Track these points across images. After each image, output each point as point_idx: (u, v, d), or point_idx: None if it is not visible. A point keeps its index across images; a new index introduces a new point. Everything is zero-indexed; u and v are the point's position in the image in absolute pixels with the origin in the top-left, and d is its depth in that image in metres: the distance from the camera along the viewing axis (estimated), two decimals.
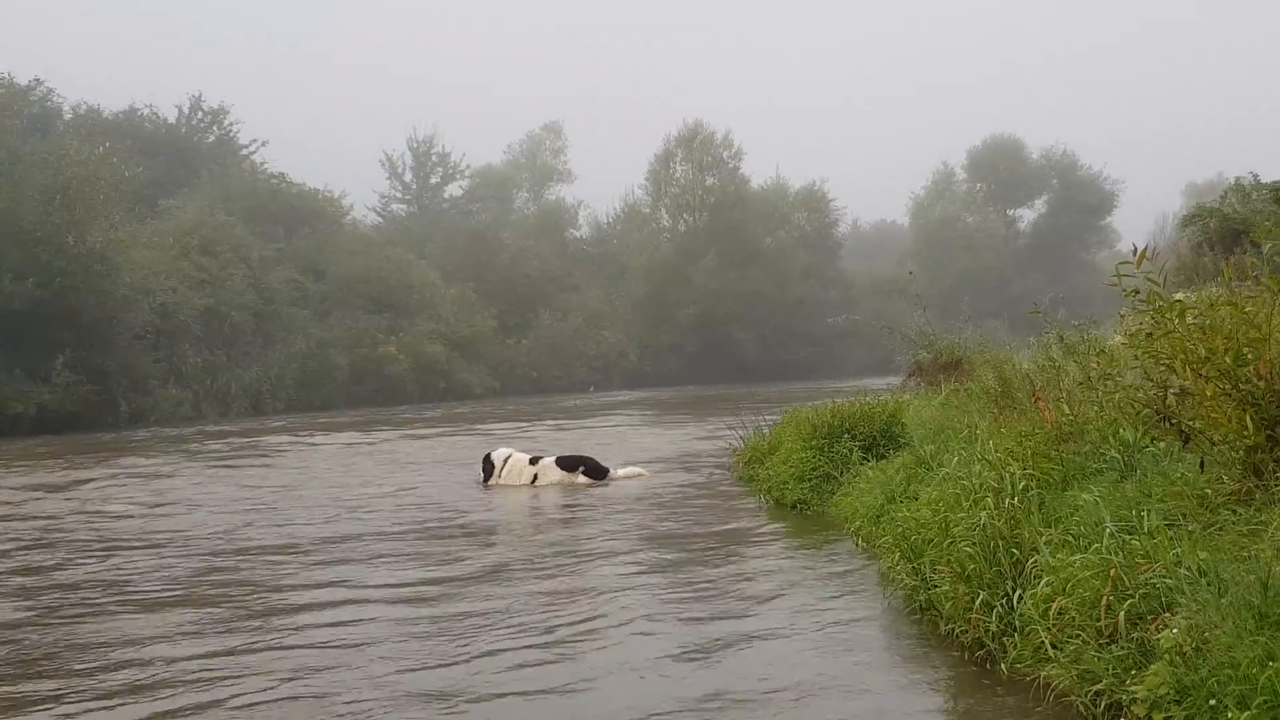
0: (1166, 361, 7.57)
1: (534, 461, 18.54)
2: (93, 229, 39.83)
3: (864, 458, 14.39)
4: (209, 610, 9.61)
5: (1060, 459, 8.71)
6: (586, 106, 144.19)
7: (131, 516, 15.74)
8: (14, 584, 11.14)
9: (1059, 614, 6.45)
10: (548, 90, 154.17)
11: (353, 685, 7.32)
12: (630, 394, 58.66)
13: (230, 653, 8.21)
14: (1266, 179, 30.46)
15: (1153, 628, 5.78)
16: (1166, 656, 5.44)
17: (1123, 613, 5.98)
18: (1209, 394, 7.01)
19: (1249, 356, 6.87)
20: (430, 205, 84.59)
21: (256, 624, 9.09)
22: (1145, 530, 6.60)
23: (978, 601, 7.40)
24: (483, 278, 68.78)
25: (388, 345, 56.16)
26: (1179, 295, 8.99)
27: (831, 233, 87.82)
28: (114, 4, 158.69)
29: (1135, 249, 8.02)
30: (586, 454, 19.52)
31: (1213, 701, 5.03)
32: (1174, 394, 7.86)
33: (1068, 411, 9.60)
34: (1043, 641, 6.51)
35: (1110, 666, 5.88)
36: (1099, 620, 6.12)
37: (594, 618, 9.06)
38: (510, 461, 18.53)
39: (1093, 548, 6.65)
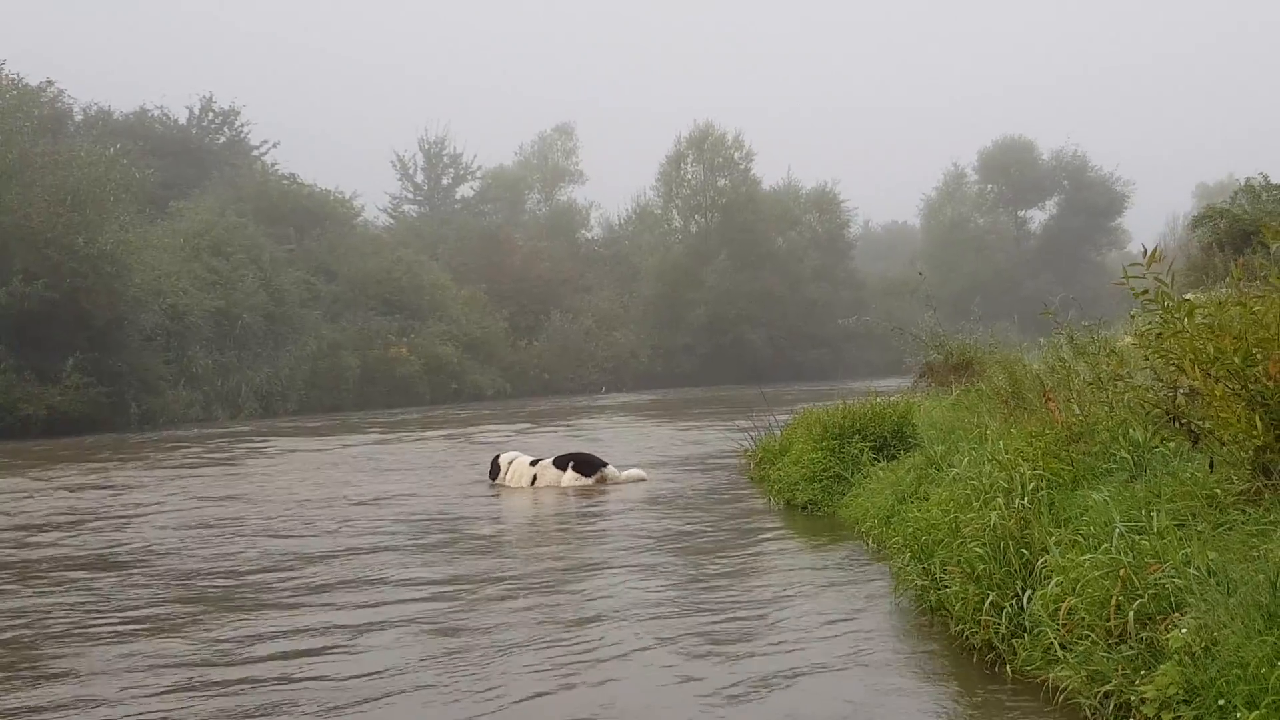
0: (1176, 362, 7.56)
1: (534, 464, 18.74)
2: (103, 230, 39.88)
3: (875, 458, 14.38)
4: (176, 640, 9.20)
5: (1070, 459, 8.70)
6: (598, 108, 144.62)
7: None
8: None
9: (1068, 614, 6.44)
10: (559, 91, 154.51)
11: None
12: (642, 395, 58.65)
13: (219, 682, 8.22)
14: (1277, 180, 30.45)
15: (1162, 628, 5.77)
16: (1176, 657, 5.43)
17: (1132, 613, 5.97)
18: (1218, 394, 7.00)
19: (1258, 356, 6.85)
20: (442, 206, 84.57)
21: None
22: (1155, 530, 6.60)
23: (987, 602, 7.39)
24: (494, 279, 68.77)
25: (399, 346, 56.14)
26: (1189, 295, 8.97)
27: (843, 234, 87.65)
28: (125, 5, 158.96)
29: (1145, 250, 8.01)
30: (584, 451, 19.54)
31: (1222, 702, 5.03)
32: (1183, 394, 7.85)
33: (1078, 412, 9.59)
34: (1052, 642, 6.50)
35: (1119, 667, 5.87)
36: (1108, 620, 6.12)
37: (601, 616, 9.08)
38: (514, 464, 18.77)
39: (1102, 548, 6.64)
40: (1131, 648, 5.88)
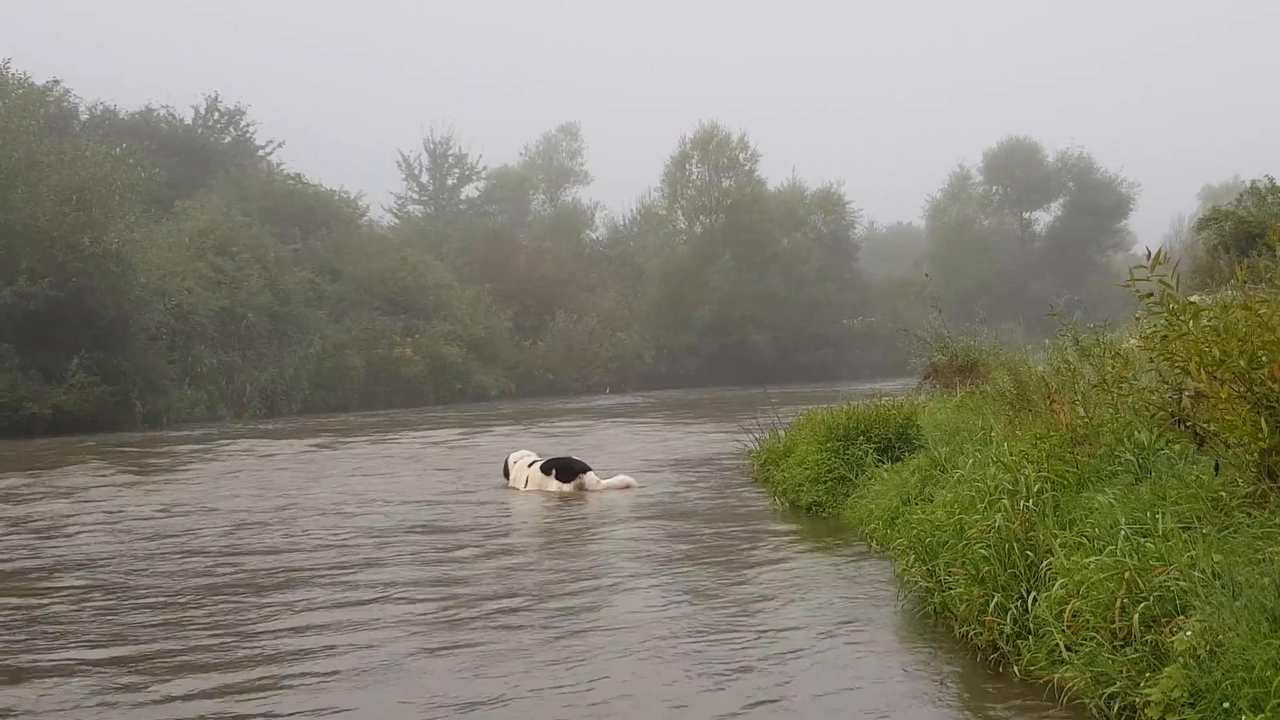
0: (1181, 364, 7.55)
1: (530, 465, 18.29)
2: (109, 230, 39.90)
3: (879, 460, 14.37)
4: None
5: (1075, 461, 8.69)
6: (603, 108, 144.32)
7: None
8: None
9: (1073, 616, 6.45)
10: (564, 91, 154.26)
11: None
12: (646, 396, 58.66)
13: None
14: None
15: (1167, 630, 5.77)
16: (1180, 659, 5.43)
17: (1137, 615, 5.98)
18: (1223, 396, 7.00)
19: (1264, 359, 6.85)
20: (447, 206, 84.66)
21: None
22: (1160, 533, 6.60)
23: (992, 604, 7.40)
24: (499, 279, 68.81)
25: (404, 346, 56.17)
26: (1194, 298, 8.96)
27: (848, 235, 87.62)
28: (131, 3, 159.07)
29: (1150, 252, 8.01)
30: (574, 456, 18.93)
31: (1226, 704, 5.03)
32: (1189, 397, 7.84)
33: (1083, 414, 9.58)
34: (1057, 644, 6.51)
35: (1124, 669, 5.88)
36: (1113, 623, 6.12)
37: (603, 613, 9.09)
38: (516, 465, 18.45)
39: (1107, 550, 6.64)
40: (1136, 650, 5.88)
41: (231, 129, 67.02)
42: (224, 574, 11.42)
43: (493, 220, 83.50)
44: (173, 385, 43.53)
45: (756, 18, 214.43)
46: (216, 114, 66.36)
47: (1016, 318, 49.47)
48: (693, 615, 9.13)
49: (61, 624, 9.35)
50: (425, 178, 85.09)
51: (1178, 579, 5.97)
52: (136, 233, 42.31)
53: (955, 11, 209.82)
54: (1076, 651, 6.29)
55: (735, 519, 14.41)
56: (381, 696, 7.21)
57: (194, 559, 12.34)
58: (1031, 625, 7.00)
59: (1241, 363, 6.90)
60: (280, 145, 67.76)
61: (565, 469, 17.86)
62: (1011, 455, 9.09)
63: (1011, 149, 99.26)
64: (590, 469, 17.95)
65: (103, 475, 21.96)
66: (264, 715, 6.90)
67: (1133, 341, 11.69)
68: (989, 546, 7.76)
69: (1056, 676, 6.37)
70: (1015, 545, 7.61)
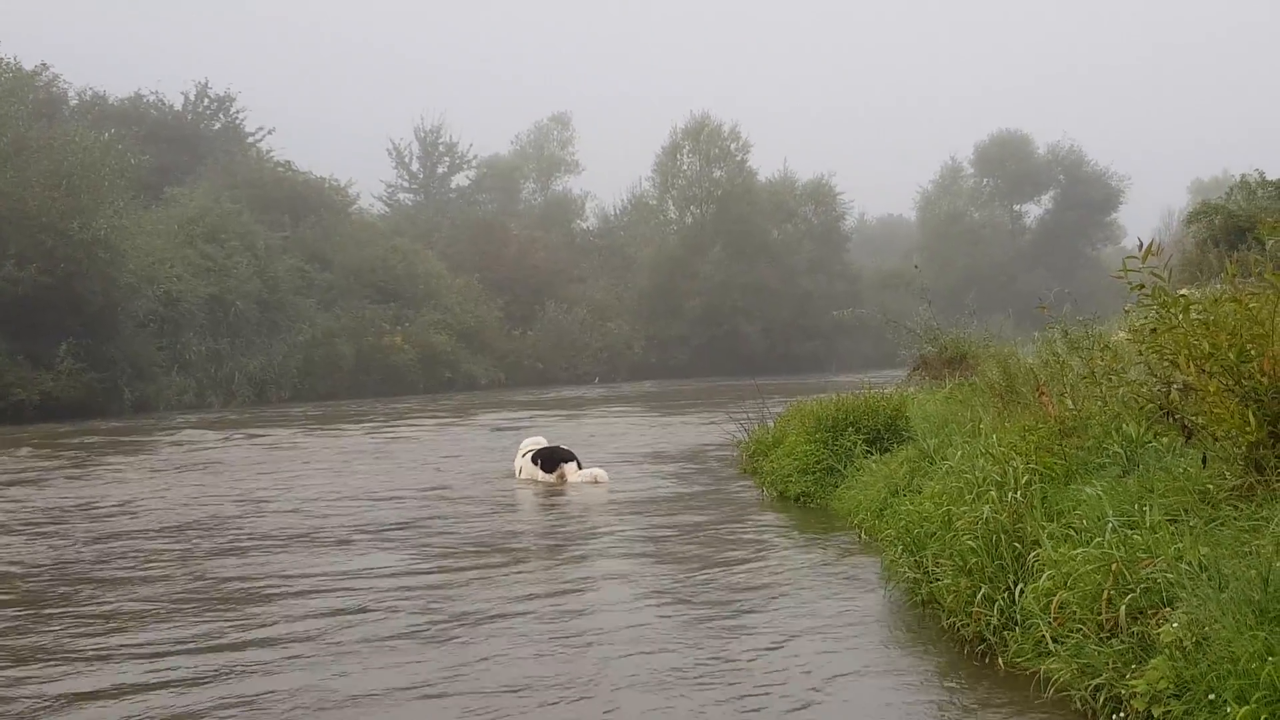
0: (1170, 357, 7.56)
1: (524, 456, 18.23)
2: (97, 216, 39.84)
3: (868, 451, 14.37)
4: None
5: (1063, 453, 8.70)
6: (595, 97, 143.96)
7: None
8: None
9: (1060, 608, 6.45)
10: (556, 80, 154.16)
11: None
12: (635, 386, 58.66)
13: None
14: (1272, 176, 30.49)
15: (1153, 622, 5.78)
16: (1166, 651, 5.44)
17: (1123, 607, 5.99)
18: (1212, 390, 7.00)
19: (1252, 353, 6.86)
20: (437, 195, 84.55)
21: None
22: (1147, 525, 6.61)
23: (979, 595, 7.40)
24: (489, 268, 68.79)
25: (393, 335, 56.17)
26: (1184, 291, 8.96)
27: (838, 226, 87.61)
28: None
29: (1142, 244, 8.01)
30: (561, 446, 18.69)
31: (1212, 696, 5.04)
32: (1177, 389, 7.86)
33: (1071, 406, 9.60)
34: (1043, 635, 6.52)
35: (1110, 660, 5.88)
36: (1100, 614, 6.13)
37: (591, 609, 9.09)
38: (520, 455, 18.36)
39: (1094, 542, 6.65)
40: (1123, 641, 5.89)
41: (221, 115, 66.91)
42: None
43: (483, 209, 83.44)
44: (161, 372, 43.49)
45: (750, 9, 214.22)
46: (206, 100, 66.25)
47: (1006, 310, 49.59)
48: (677, 606, 9.12)
49: None
50: (416, 166, 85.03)
51: (1164, 571, 5.98)
52: (125, 219, 42.25)
53: (948, 5, 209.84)
54: (1063, 643, 6.30)
55: (723, 509, 14.41)
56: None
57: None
58: (1018, 616, 7.00)
59: (1230, 356, 6.91)
60: (270, 132, 67.77)
61: (549, 459, 17.80)
62: (1000, 447, 9.09)
63: (1002, 141, 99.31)
64: (573, 459, 17.81)
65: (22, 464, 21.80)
66: None
67: (1122, 334, 11.70)
68: (977, 538, 7.76)
69: (1043, 667, 6.38)
70: (1003, 537, 7.62)
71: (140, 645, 8.16)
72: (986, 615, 7.28)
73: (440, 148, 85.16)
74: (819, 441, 15.03)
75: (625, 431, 26.82)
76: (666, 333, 74.84)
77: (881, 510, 11.47)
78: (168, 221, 48.83)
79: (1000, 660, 7.02)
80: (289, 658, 7.78)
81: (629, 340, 71.94)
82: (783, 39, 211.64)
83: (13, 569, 11.33)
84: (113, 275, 40.77)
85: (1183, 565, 5.89)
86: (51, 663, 7.81)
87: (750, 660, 7.53)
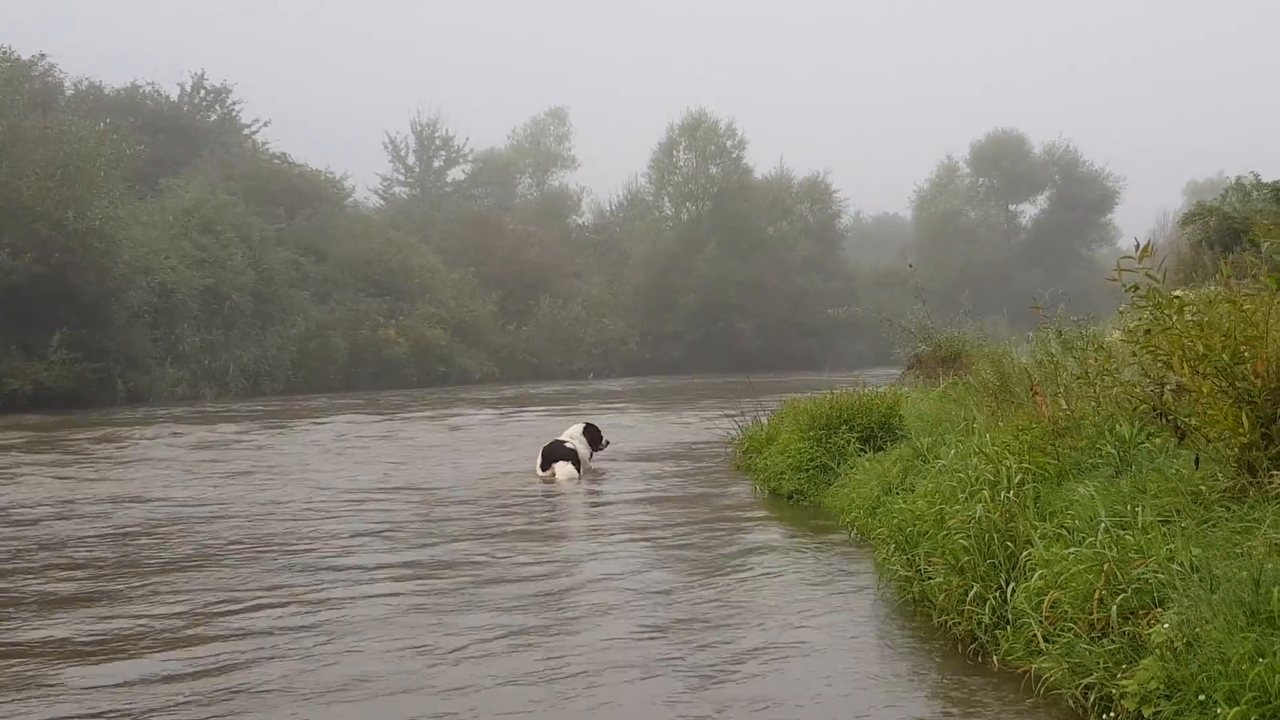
0: (1164, 358, 7.56)
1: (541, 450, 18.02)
2: (92, 206, 39.78)
3: (861, 449, 14.37)
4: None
5: (1056, 453, 8.71)
6: (592, 93, 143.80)
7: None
8: None
9: (1051, 607, 6.46)
10: (553, 75, 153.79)
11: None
12: (630, 382, 58.66)
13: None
14: (1267, 178, 30.46)
15: (1144, 623, 5.78)
16: (1157, 651, 5.45)
17: (1115, 607, 5.99)
18: (1205, 391, 7.01)
19: (1246, 354, 6.86)
20: (433, 189, 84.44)
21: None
22: (1139, 525, 6.61)
23: (971, 594, 7.41)
24: (484, 263, 68.74)
25: (387, 329, 56.15)
26: (1178, 292, 8.97)
27: (834, 224, 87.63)
28: None
29: (1137, 244, 8.02)
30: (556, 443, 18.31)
31: (1202, 697, 5.04)
32: (1171, 390, 7.86)
33: (1065, 406, 9.60)
34: (1035, 634, 6.53)
35: (1101, 660, 5.89)
36: (1091, 614, 6.14)
37: (580, 606, 9.09)
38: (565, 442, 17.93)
39: (1087, 542, 6.65)
40: (1114, 641, 5.89)
41: (217, 107, 66.80)
42: None
43: (479, 203, 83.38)
44: (155, 363, 43.45)
45: (749, 8, 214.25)
46: (202, 91, 66.13)
47: (1001, 310, 49.55)
48: (668, 604, 9.12)
49: None
50: (412, 159, 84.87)
51: (1156, 572, 5.98)
52: (120, 210, 42.19)
53: (946, 5, 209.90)
54: (1054, 642, 6.31)
55: (715, 506, 14.41)
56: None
57: None
58: (1010, 616, 7.01)
59: (1224, 357, 6.92)
60: (266, 124, 67.75)
61: (547, 457, 17.61)
62: (993, 446, 9.08)
63: (998, 141, 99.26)
64: (566, 460, 17.39)
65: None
66: None
67: (1116, 335, 11.70)
68: (969, 537, 7.77)
69: (1034, 667, 6.38)
70: (995, 536, 7.63)
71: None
72: (978, 614, 7.30)
73: (436, 141, 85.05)
74: (812, 439, 15.03)
75: (619, 427, 26.78)
76: (661, 329, 74.88)
77: (874, 508, 11.47)
78: (163, 212, 48.70)
79: (992, 659, 7.04)
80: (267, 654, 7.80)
81: (624, 336, 71.93)
82: (780, 37, 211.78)
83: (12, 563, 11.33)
84: (107, 266, 40.68)
85: (1174, 566, 5.90)
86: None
87: (737, 658, 7.53)
